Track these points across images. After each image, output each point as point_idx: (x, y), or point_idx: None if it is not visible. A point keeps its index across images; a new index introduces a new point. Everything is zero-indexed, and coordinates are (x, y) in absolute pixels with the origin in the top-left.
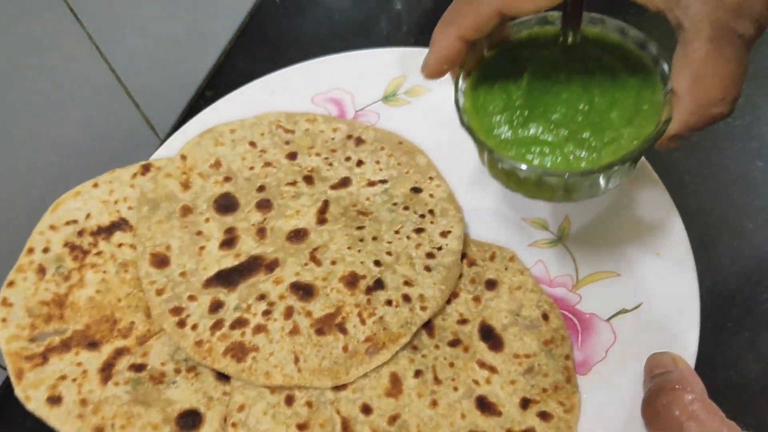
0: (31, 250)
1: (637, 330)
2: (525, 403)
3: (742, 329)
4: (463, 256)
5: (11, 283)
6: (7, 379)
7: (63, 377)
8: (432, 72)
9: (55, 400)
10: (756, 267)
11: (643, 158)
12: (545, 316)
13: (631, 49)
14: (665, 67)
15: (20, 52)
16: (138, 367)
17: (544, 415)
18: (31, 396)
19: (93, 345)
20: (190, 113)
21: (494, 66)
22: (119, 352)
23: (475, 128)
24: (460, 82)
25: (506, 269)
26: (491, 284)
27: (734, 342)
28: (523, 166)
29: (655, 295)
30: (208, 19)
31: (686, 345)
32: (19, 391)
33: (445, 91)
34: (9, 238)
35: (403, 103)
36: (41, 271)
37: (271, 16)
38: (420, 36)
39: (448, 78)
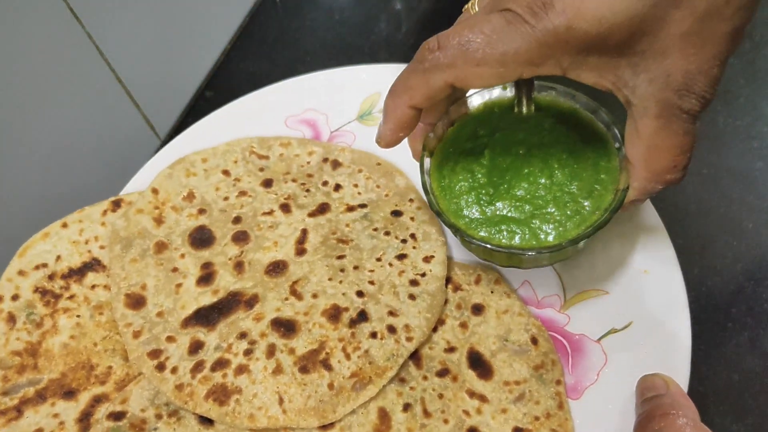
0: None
1: (628, 350)
2: None
3: (743, 329)
4: (448, 280)
5: None
6: None
7: (39, 431)
8: (388, 141)
9: None
10: (756, 267)
11: None
12: (534, 340)
13: (583, 116)
14: (617, 132)
15: (18, 52)
16: (117, 415)
17: None
18: None
19: (69, 394)
20: (190, 113)
21: (455, 143)
22: (97, 400)
23: (444, 210)
24: (426, 162)
25: (492, 292)
26: (477, 309)
27: (734, 342)
28: (493, 246)
29: (645, 314)
30: (208, 19)
31: (678, 365)
32: None
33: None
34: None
35: (378, 121)
36: (11, 319)
37: (271, 16)
38: (419, 36)
39: None
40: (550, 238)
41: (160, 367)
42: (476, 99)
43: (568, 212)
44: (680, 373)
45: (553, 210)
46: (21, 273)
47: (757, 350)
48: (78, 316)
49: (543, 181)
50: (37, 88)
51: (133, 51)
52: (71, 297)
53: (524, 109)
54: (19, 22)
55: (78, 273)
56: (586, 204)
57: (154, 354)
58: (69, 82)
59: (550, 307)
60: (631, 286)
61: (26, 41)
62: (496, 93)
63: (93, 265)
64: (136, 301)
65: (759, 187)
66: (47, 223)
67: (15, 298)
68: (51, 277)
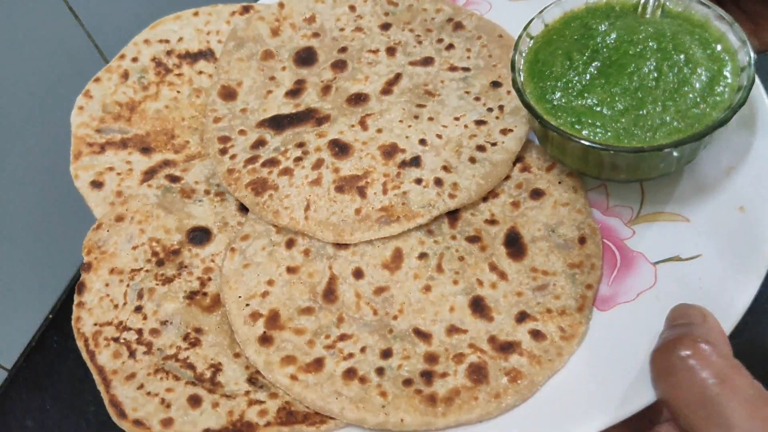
0: (122, 56)
1: (682, 283)
2: (521, 317)
3: None
4: (520, 159)
5: (97, 79)
6: (7, 379)
7: (111, 168)
8: None
9: (97, 184)
10: None
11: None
12: (582, 240)
13: (714, 31)
14: (749, 50)
15: None
16: (173, 179)
17: (536, 334)
18: (80, 175)
19: (146, 150)
20: None
21: (562, 30)
22: (166, 163)
23: (528, 91)
24: (521, 42)
25: (560, 183)
26: (537, 194)
27: None
28: (569, 135)
29: (718, 254)
30: None
31: (728, 314)
32: (72, 169)
33: None
34: None
35: None
36: (125, 76)
37: None
38: None
39: None
40: (633, 142)
41: (223, 151)
42: None
43: (662, 120)
44: (727, 322)
45: (646, 113)
46: (146, 42)
47: None
48: (178, 92)
49: (647, 82)
50: None
51: None
52: (179, 75)
53: (649, 12)
54: None
55: (192, 57)
56: (684, 116)
57: (223, 140)
58: None
59: (618, 217)
60: (717, 219)
61: None
62: None
63: (206, 54)
64: (229, 94)
65: None
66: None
67: (134, 60)
68: (169, 53)
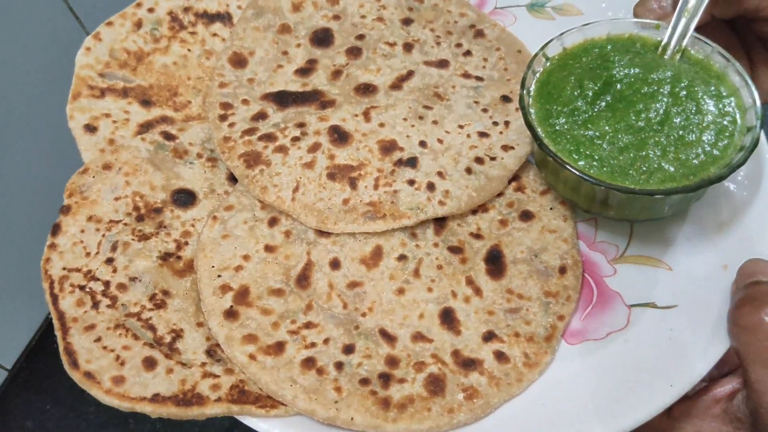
0: (138, 4)
1: (654, 330)
2: (489, 336)
3: None
4: (516, 178)
5: (110, 23)
6: (7, 379)
7: (107, 115)
8: None
9: (91, 128)
10: None
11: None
12: (563, 270)
13: (729, 85)
14: (753, 118)
15: None
16: (168, 136)
17: (500, 356)
18: (75, 117)
19: (146, 103)
20: None
21: (579, 56)
22: (164, 119)
23: (533, 111)
24: (536, 61)
25: (551, 209)
26: (527, 216)
27: None
28: (565, 163)
29: (695, 307)
30: None
31: (689, 373)
32: (68, 109)
33: (598, 19)
34: None
35: (546, 17)
36: (138, 25)
37: None
38: None
39: (604, 8)
40: (627, 182)
41: (223, 118)
42: (623, 26)
43: (659, 164)
44: (690, 377)
45: (645, 155)
46: None
47: None
48: (189, 50)
49: (654, 124)
50: None
51: None
52: (193, 33)
53: (668, 54)
54: None
55: (209, 18)
56: (683, 164)
57: (225, 106)
58: None
59: (602, 253)
60: (700, 273)
61: None
62: (646, 28)
63: (224, 17)
64: (239, 61)
65: None
66: None
67: (150, 10)
68: (186, 10)
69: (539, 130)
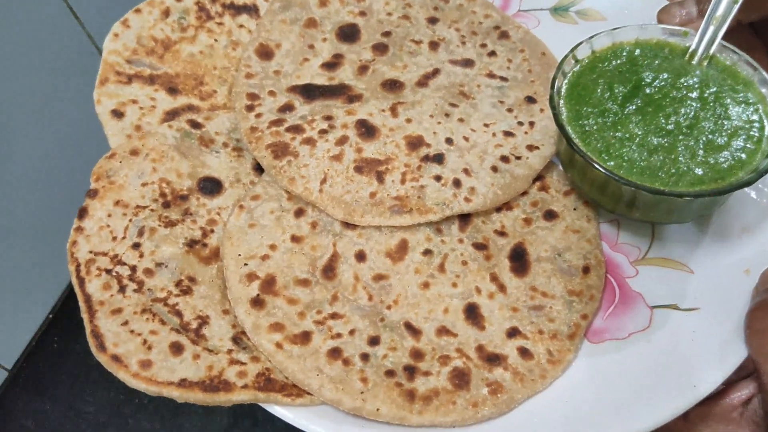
0: None
1: (676, 332)
2: (512, 332)
3: None
4: (540, 178)
5: (138, 11)
6: (7, 379)
7: (134, 101)
8: None
9: (118, 114)
10: None
11: None
12: (586, 270)
13: (756, 93)
14: None
15: None
16: (195, 125)
17: (524, 352)
18: (102, 101)
19: (173, 91)
20: None
21: (608, 59)
22: (190, 107)
23: (563, 111)
24: (566, 63)
25: (575, 209)
26: (550, 215)
27: None
28: (593, 162)
29: (717, 311)
30: None
31: (708, 377)
32: (95, 93)
33: (620, 24)
34: None
35: (570, 21)
36: (166, 13)
37: None
38: None
39: (626, 14)
40: (656, 183)
41: (249, 108)
42: (651, 31)
43: (688, 167)
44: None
45: (674, 158)
46: None
47: None
48: (216, 40)
49: (683, 128)
50: None
51: None
52: (220, 24)
53: (696, 60)
54: None
55: (236, 9)
56: (711, 168)
57: (252, 96)
58: None
59: (624, 254)
60: (722, 277)
61: None
62: (674, 35)
63: (250, 9)
64: (266, 53)
65: None
66: None
67: (178, 0)
68: (214, 1)
69: (569, 129)
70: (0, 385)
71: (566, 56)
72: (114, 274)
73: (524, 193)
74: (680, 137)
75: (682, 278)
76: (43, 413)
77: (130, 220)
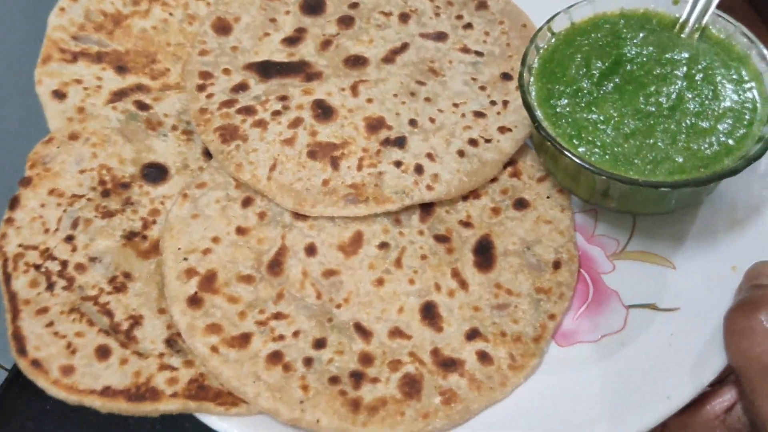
0: None
1: (653, 334)
2: (472, 334)
3: None
4: (512, 162)
5: None
6: (7, 379)
7: (78, 81)
8: None
9: (59, 95)
10: None
11: None
12: (557, 264)
13: (752, 68)
14: None
15: None
16: (142, 106)
17: (484, 357)
18: (44, 81)
19: (122, 69)
20: None
21: (588, 32)
22: (139, 87)
23: (534, 90)
24: (539, 36)
25: (548, 197)
26: (521, 204)
27: None
28: (564, 148)
29: (700, 311)
30: None
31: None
32: (36, 73)
33: None
34: None
35: None
36: None
37: None
38: None
39: None
40: (630, 172)
41: (201, 88)
42: (637, 1)
43: (668, 154)
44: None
45: (653, 142)
46: None
47: None
48: (170, 14)
49: (664, 110)
50: None
51: None
52: None
53: (686, 33)
54: None
55: None
56: (694, 155)
57: (205, 75)
58: None
59: (601, 247)
60: (706, 273)
61: None
62: (662, 5)
63: None
64: (223, 27)
65: None
66: None
67: None
68: None
69: (538, 111)
70: (0, 385)
71: (541, 28)
72: (43, 270)
73: (494, 180)
74: (660, 120)
75: (662, 274)
76: (43, 413)
77: (65, 211)
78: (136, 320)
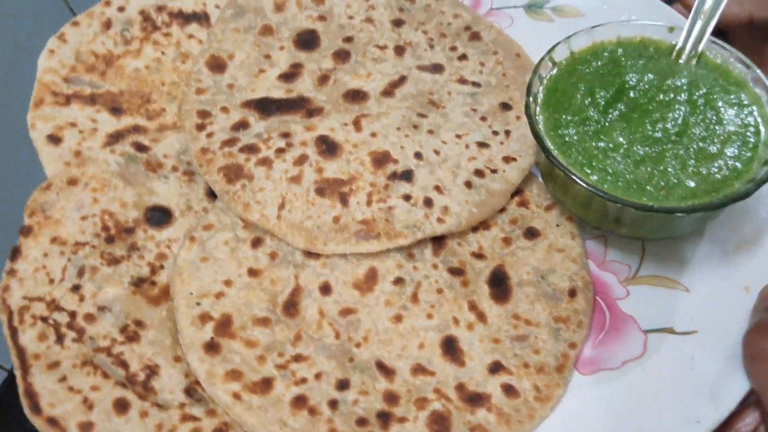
0: (108, 3)
1: (674, 358)
2: (495, 367)
3: None
4: (519, 192)
5: (75, 23)
6: (7, 379)
7: (73, 124)
8: None
9: (54, 139)
10: None
11: None
12: (573, 292)
13: (750, 93)
14: None
15: None
16: (141, 147)
17: (509, 390)
18: (37, 126)
19: (116, 111)
20: None
21: (588, 61)
22: (135, 129)
23: (540, 120)
24: (542, 66)
25: (558, 226)
26: (532, 233)
27: None
28: (575, 177)
29: (717, 332)
30: None
31: (718, 405)
32: (29, 117)
33: (599, 21)
34: None
35: (545, 18)
36: (107, 25)
37: None
38: None
39: (606, 9)
40: (643, 198)
41: (200, 127)
42: (633, 29)
43: (679, 180)
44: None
45: (663, 169)
46: None
47: None
48: (163, 53)
49: (672, 135)
50: None
51: None
52: (167, 35)
53: (684, 59)
54: None
55: (184, 18)
56: (703, 180)
57: (203, 114)
58: None
59: (614, 273)
60: (720, 295)
61: None
62: (658, 33)
63: (200, 17)
64: (218, 65)
65: None
66: None
67: (121, 9)
68: (160, 9)
69: (548, 140)
70: (0, 385)
71: (543, 59)
72: (51, 322)
73: (502, 210)
74: (669, 146)
75: (676, 297)
76: None
77: (69, 260)
78: (152, 370)
